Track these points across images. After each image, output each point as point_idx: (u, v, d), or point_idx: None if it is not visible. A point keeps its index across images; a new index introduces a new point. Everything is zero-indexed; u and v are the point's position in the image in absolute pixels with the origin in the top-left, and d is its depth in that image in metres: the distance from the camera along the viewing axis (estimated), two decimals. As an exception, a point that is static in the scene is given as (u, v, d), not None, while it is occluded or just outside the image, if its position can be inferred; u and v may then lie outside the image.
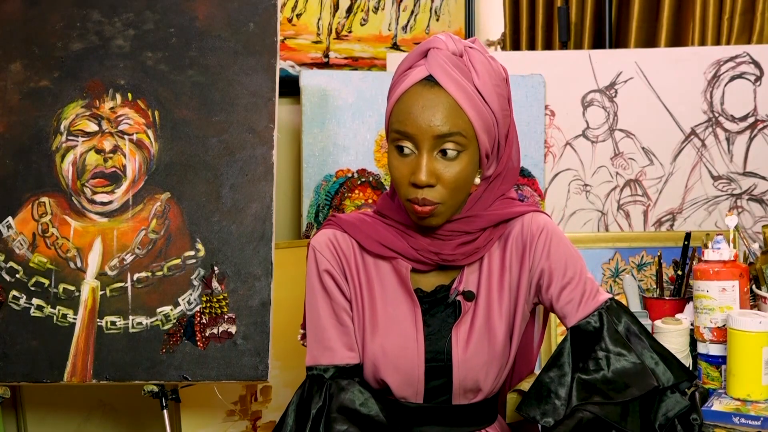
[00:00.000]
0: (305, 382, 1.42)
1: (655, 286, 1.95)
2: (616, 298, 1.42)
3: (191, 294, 1.76)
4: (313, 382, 1.40)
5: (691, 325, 1.68)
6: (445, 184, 1.30)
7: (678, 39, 2.59)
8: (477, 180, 1.36)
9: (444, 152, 1.29)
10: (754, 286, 1.72)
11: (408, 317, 1.40)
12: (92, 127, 1.82)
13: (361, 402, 1.37)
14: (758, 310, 1.67)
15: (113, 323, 1.75)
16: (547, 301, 1.41)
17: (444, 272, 1.42)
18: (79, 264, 1.78)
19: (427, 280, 1.43)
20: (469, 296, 1.39)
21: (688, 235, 1.95)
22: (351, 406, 1.36)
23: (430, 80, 1.29)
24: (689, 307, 1.78)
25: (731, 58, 2.31)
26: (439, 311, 1.41)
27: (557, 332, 2.01)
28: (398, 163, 1.32)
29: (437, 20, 2.71)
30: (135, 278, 1.77)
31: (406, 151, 1.30)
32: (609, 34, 2.63)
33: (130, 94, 1.82)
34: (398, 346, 1.39)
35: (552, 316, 1.79)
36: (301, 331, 1.51)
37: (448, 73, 1.28)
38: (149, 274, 1.77)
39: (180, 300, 1.76)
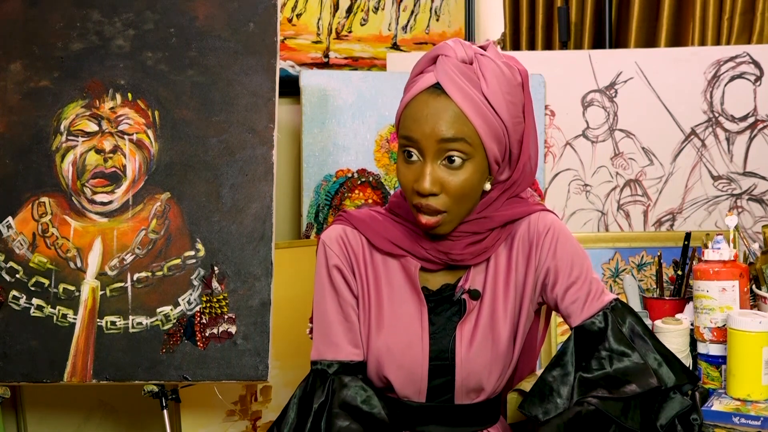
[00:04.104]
0: (309, 376, 1.43)
1: (655, 286, 1.95)
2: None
3: (191, 294, 1.76)
4: (316, 377, 1.41)
5: (691, 325, 1.68)
6: (450, 192, 1.30)
7: (678, 39, 2.59)
8: (488, 186, 1.36)
9: (450, 159, 1.29)
10: (754, 286, 1.72)
11: (414, 315, 1.40)
12: (92, 127, 1.82)
13: (363, 399, 1.37)
14: (758, 310, 1.67)
15: (113, 323, 1.75)
16: (551, 300, 1.41)
17: (451, 271, 1.43)
18: (79, 264, 1.78)
19: (434, 278, 1.43)
20: (475, 295, 1.40)
21: (688, 235, 1.95)
22: (353, 403, 1.36)
23: (437, 88, 1.29)
24: (689, 307, 1.78)
25: (731, 58, 2.31)
26: (445, 310, 1.42)
27: (557, 332, 2.01)
28: (405, 169, 1.33)
29: (437, 20, 2.71)
30: (135, 278, 1.77)
31: (413, 157, 1.31)
32: (609, 34, 2.63)
33: (130, 94, 1.82)
34: (403, 344, 1.39)
35: (553, 315, 1.79)
36: (309, 325, 1.51)
37: (454, 81, 1.28)
38: (149, 274, 1.77)
39: (180, 300, 1.76)
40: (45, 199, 1.79)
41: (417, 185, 1.30)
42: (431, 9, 2.69)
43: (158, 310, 1.76)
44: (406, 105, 1.32)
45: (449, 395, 1.40)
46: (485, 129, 1.29)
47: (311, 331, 1.50)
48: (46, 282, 1.77)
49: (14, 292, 1.76)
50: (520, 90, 1.35)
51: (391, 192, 2.28)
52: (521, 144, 1.36)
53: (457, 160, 1.29)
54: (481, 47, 1.34)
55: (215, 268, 1.77)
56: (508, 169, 1.37)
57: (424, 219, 1.31)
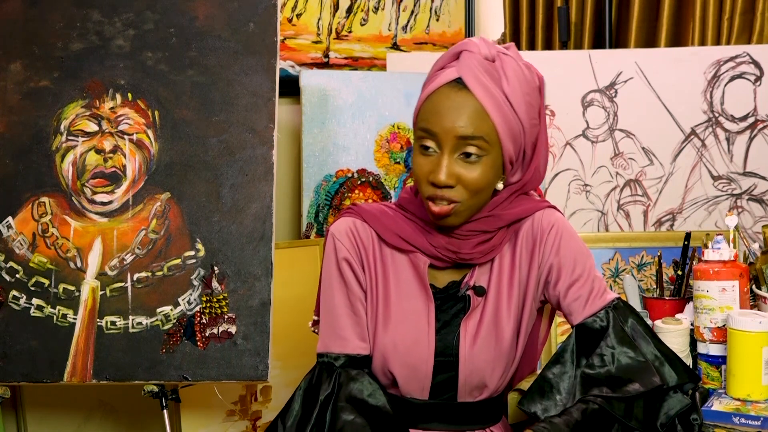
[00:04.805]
0: (315, 368, 1.42)
1: (655, 286, 1.95)
2: (617, 298, 1.43)
3: (191, 294, 1.76)
4: (322, 369, 1.41)
5: (691, 325, 1.68)
6: (466, 185, 1.31)
7: (678, 39, 2.60)
8: (500, 185, 1.37)
9: (467, 155, 1.30)
10: (754, 286, 1.72)
11: (421, 312, 1.41)
12: (92, 127, 1.82)
13: (370, 393, 1.37)
14: (758, 310, 1.67)
15: (113, 323, 1.75)
16: (554, 297, 1.41)
17: (457, 269, 1.43)
18: (79, 264, 1.78)
19: (442, 276, 1.44)
20: (480, 291, 1.40)
21: (688, 235, 1.95)
22: (359, 396, 1.36)
23: (459, 82, 1.30)
24: (689, 307, 1.78)
25: (731, 58, 2.31)
26: (450, 307, 1.42)
27: (558, 332, 2.01)
28: (420, 160, 1.34)
29: (437, 20, 2.71)
30: (135, 278, 1.77)
31: (430, 150, 1.32)
32: (609, 34, 2.63)
33: (130, 94, 1.82)
34: (409, 340, 1.39)
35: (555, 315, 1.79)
36: (314, 317, 1.51)
37: (477, 77, 1.29)
38: (149, 274, 1.77)
39: (180, 300, 1.76)
40: (45, 199, 1.79)
41: (433, 176, 1.31)
42: (431, 9, 2.69)
43: (158, 310, 1.76)
44: (426, 98, 1.33)
45: (452, 393, 1.41)
46: (504, 126, 1.30)
47: (314, 324, 1.50)
48: (46, 282, 1.77)
49: (14, 292, 1.76)
50: (537, 93, 1.36)
51: (392, 192, 2.28)
52: (535, 147, 1.37)
53: (474, 156, 1.30)
54: (504, 47, 1.35)
55: (215, 268, 1.77)
56: (520, 171, 1.38)
57: (437, 207, 1.32)
